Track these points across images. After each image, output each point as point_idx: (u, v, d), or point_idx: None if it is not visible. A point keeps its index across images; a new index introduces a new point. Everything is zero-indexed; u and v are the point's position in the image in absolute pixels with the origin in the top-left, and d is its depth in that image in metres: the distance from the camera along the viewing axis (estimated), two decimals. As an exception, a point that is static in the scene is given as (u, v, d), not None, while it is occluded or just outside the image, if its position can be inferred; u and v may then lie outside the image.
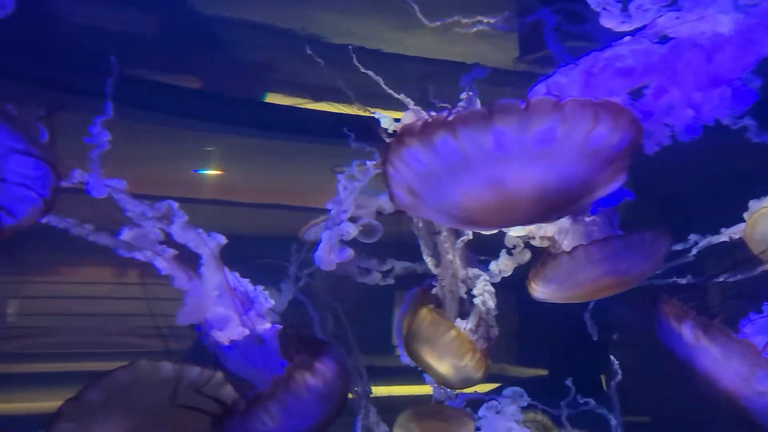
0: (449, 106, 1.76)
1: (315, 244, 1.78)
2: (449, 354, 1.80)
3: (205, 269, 1.47)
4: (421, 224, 1.90)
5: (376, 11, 2.82)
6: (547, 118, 1.14)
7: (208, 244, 1.46)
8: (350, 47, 1.77)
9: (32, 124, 1.30)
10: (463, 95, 1.69)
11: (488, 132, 1.15)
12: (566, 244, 1.67)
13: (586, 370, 2.55)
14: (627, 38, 1.32)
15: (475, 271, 1.90)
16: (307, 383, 1.35)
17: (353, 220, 1.81)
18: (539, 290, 1.75)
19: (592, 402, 2.20)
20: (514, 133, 1.15)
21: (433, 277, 1.99)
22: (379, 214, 1.87)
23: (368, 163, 1.80)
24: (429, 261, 1.90)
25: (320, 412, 1.40)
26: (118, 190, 1.41)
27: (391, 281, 2.00)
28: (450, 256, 1.86)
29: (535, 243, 1.79)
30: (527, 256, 1.84)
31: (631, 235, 1.61)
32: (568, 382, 2.19)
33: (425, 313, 1.83)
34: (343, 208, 1.79)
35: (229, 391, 1.47)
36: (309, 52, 1.74)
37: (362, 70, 1.75)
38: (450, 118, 1.16)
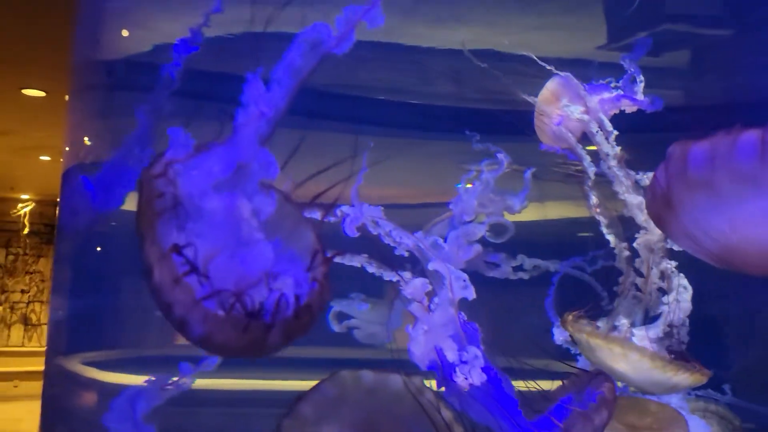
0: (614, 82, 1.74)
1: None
2: (629, 364, 1.60)
3: (440, 306, 1.42)
4: (601, 209, 1.80)
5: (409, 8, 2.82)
6: None
7: (453, 284, 1.40)
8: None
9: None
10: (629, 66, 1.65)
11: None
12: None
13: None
14: None
15: (670, 265, 1.70)
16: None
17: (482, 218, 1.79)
18: None
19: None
20: None
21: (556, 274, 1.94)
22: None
23: (502, 159, 1.79)
24: (621, 254, 1.75)
25: None
26: (377, 218, 1.43)
27: (525, 277, 1.96)
28: (648, 254, 1.69)
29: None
30: None
31: None
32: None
33: (572, 324, 1.67)
34: (468, 206, 1.77)
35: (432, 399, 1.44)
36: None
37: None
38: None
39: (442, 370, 1.36)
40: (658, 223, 1.31)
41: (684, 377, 1.59)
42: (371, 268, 1.50)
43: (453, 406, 1.38)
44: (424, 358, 1.38)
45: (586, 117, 1.78)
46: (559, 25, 2.66)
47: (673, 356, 1.64)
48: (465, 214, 1.80)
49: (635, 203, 1.66)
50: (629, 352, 1.56)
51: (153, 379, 1.56)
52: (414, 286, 1.39)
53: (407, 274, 1.41)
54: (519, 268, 2.00)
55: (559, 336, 1.93)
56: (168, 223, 1.17)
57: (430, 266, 1.41)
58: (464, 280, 1.40)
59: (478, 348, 1.38)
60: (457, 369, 1.36)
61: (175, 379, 1.55)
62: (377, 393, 1.46)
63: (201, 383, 1.60)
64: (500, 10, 2.58)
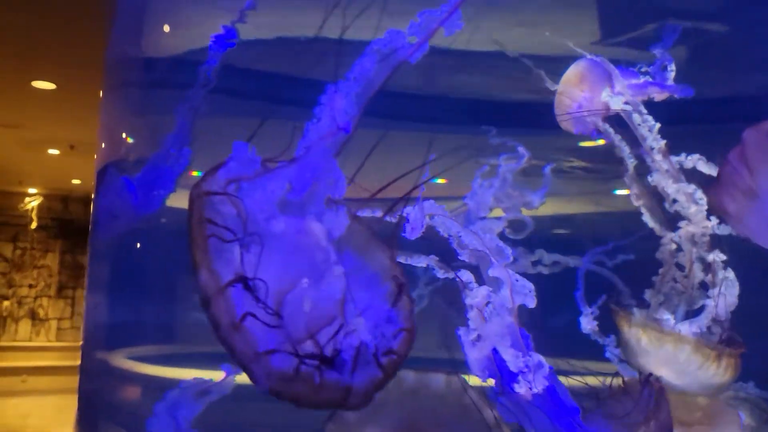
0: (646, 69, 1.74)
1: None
2: (662, 362, 1.61)
3: (497, 314, 1.35)
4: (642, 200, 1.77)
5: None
6: None
7: (514, 295, 1.32)
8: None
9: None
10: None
11: None
12: None
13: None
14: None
15: (718, 258, 1.67)
16: None
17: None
18: None
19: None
20: None
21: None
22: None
23: (522, 153, 1.78)
24: (667, 246, 1.72)
25: None
26: (443, 217, 1.33)
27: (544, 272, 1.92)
28: (690, 246, 1.68)
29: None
30: None
31: None
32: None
33: (626, 319, 1.66)
34: (483, 201, 1.74)
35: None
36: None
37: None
38: None
39: (501, 378, 1.32)
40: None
41: (727, 368, 1.60)
42: (439, 272, 1.46)
43: (508, 410, 1.34)
44: (483, 366, 1.34)
45: (629, 107, 1.78)
46: (550, 22, 2.63)
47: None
48: (480, 209, 1.79)
49: (688, 192, 1.65)
50: (681, 346, 1.58)
51: (193, 381, 1.54)
52: (480, 294, 1.33)
53: (468, 276, 1.35)
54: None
55: (586, 326, 1.90)
56: (227, 249, 1.03)
57: (491, 272, 1.35)
58: (530, 290, 1.34)
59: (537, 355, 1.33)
60: (519, 377, 1.31)
61: (216, 380, 1.53)
62: (419, 393, 1.46)
63: (241, 378, 1.62)
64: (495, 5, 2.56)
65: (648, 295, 1.81)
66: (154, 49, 2.10)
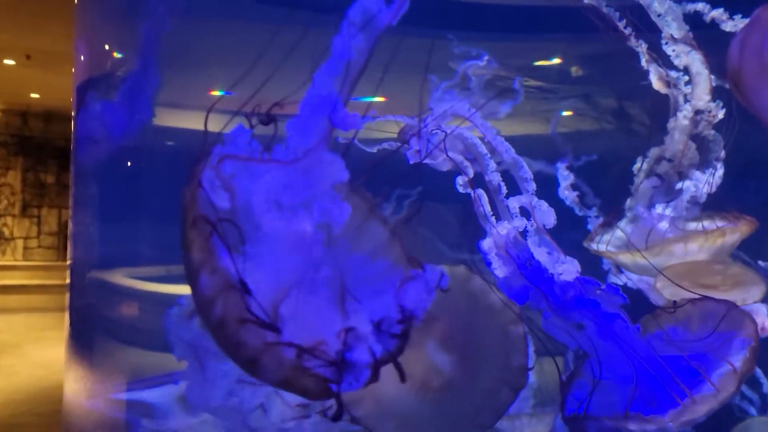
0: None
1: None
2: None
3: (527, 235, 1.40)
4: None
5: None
6: None
7: (536, 213, 1.36)
8: None
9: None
10: None
11: None
12: None
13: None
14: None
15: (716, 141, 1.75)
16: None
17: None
18: None
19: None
20: None
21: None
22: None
23: (486, 61, 1.75)
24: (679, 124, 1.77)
25: None
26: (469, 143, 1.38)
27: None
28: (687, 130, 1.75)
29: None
30: None
31: None
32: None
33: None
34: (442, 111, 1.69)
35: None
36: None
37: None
38: None
39: (540, 288, 1.34)
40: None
41: (733, 235, 1.66)
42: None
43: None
44: (513, 285, 1.37)
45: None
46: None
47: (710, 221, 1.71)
48: (440, 118, 1.72)
49: (696, 59, 1.69)
50: (690, 246, 1.65)
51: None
52: (506, 227, 1.37)
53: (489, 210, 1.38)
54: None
55: (565, 192, 1.97)
56: (223, 248, 1.00)
57: (513, 200, 1.41)
58: (549, 210, 1.39)
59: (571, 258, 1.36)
60: (555, 283, 1.33)
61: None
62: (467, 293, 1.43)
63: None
64: None
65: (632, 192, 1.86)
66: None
